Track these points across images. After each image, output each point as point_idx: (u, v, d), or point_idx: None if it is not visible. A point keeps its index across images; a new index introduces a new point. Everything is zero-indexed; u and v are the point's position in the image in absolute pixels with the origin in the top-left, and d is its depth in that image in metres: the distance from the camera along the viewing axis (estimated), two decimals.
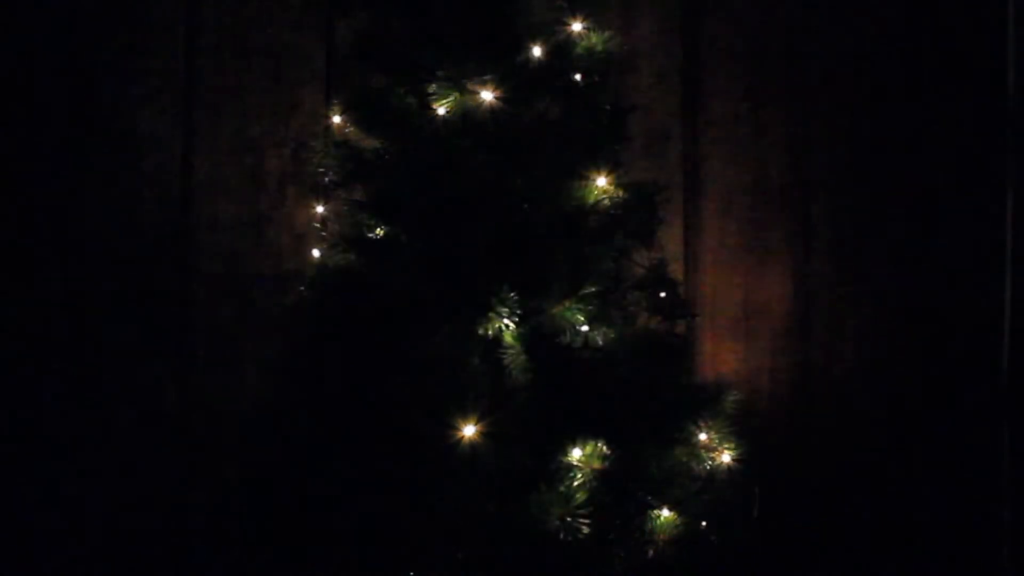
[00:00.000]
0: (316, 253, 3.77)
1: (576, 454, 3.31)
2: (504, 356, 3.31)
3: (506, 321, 3.32)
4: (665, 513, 3.37)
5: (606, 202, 3.49)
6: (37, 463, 4.43)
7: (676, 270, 4.29)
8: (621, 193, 3.53)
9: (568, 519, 3.20)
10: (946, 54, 4.44)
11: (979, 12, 4.44)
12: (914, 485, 4.40)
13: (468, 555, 3.28)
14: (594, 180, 3.48)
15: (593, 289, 3.40)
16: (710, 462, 3.53)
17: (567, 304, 3.38)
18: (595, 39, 3.56)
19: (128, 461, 4.43)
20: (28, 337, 4.46)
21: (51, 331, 4.46)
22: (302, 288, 3.77)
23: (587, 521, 3.20)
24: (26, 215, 4.49)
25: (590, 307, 3.40)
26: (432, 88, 3.39)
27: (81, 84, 4.50)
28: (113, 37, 4.51)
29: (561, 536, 3.20)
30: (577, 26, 3.56)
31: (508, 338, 3.33)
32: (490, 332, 3.33)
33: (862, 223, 4.46)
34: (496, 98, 3.39)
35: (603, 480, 3.30)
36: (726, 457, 3.56)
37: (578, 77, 3.58)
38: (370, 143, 3.57)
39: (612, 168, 3.53)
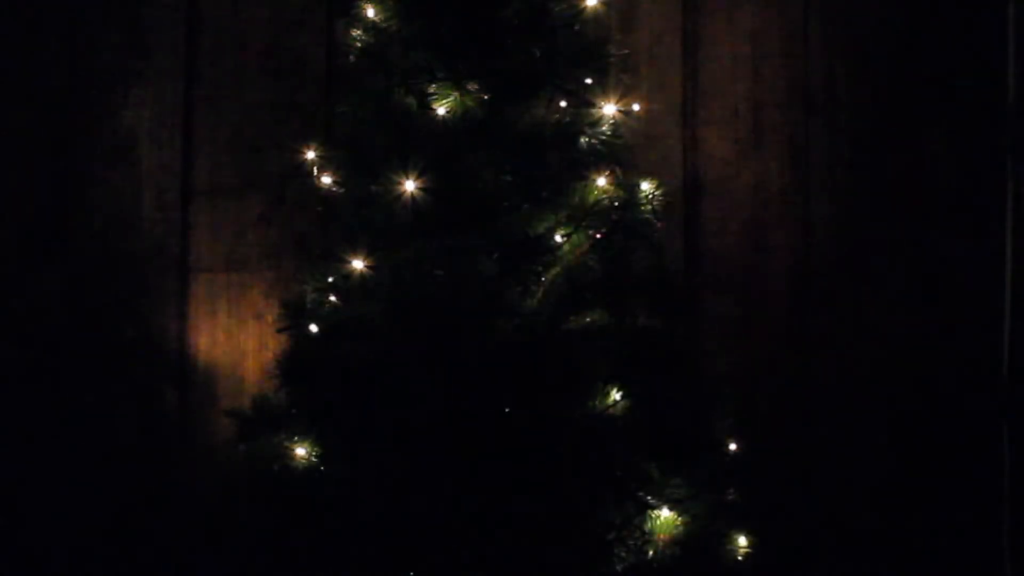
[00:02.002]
0: (315, 253, 3.77)
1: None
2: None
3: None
4: (665, 513, 3.37)
5: (606, 202, 3.48)
6: (36, 463, 4.43)
7: (676, 270, 4.29)
8: (621, 193, 3.53)
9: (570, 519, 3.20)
10: (946, 54, 4.44)
11: (979, 12, 4.43)
12: (914, 485, 4.40)
13: (469, 555, 3.28)
14: (594, 180, 3.48)
15: (592, 289, 3.41)
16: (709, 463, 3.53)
17: (566, 304, 3.38)
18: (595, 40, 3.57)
19: (127, 462, 4.42)
20: (27, 337, 4.45)
21: (50, 331, 4.46)
22: (303, 287, 3.77)
23: (588, 521, 3.21)
24: (26, 215, 4.49)
25: (589, 308, 3.41)
26: (432, 88, 3.39)
27: (81, 84, 4.50)
28: (113, 37, 4.50)
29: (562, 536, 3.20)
30: (578, 27, 3.56)
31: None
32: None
33: (863, 223, 4.45)
34: (496, 98, 3.39)
35: (604, 481, 3.30)
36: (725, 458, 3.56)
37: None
38: (370, 143, 3.57)
39: (612, 168, 3.53)
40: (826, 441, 4.43)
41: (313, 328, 3.59)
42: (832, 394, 4.44)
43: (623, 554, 3.32)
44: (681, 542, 3.34)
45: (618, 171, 3.55)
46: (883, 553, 4.39)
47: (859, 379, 4.43)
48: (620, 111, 3.60)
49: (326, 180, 3.64)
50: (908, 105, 4.45)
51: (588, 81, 3.60)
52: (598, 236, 3.52)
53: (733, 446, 3.63)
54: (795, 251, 4.46)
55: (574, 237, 3.45)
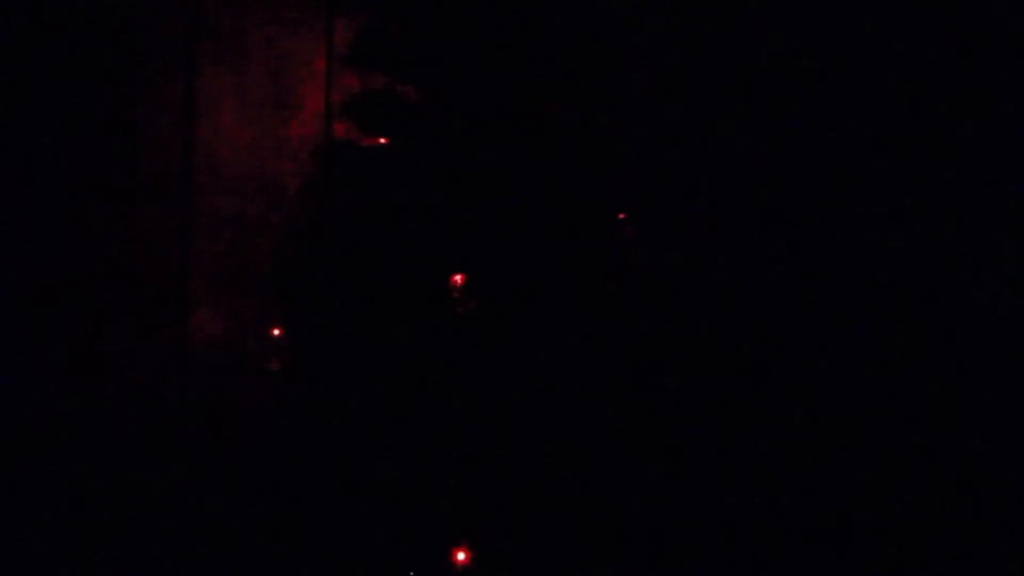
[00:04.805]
0: (316, 253, 3.77)
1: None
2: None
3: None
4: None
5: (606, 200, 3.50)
6: (36, 463, 4.43)
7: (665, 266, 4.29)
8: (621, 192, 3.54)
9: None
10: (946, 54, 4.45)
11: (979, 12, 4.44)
12: (914, 485, 4.40)
13: (469, 553, 3.29)
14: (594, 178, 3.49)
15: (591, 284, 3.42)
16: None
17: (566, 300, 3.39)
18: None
19: (127, 461, 4.43)
20: (28, 336, 4.46)
21: (51, 330, 4.46)
22: (301, 288, 3.77)
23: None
24: (27, 215, 4.49)
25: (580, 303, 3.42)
26: (432, 88, 3.40)
27: (81, 84, 4.50)
28: (113, 37, 4.51)
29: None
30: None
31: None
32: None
33: (862, 222, 4.46)
34: (502, 96, 3.40)
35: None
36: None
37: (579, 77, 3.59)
38: (370, 142, 3.58)
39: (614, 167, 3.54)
40: (825, 440, 4.43)
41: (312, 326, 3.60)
42: (832, 393, 4.44)
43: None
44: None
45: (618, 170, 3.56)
46: (883, 552, 4.39)
47: (859, 379, 4.43)
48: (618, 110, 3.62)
49: (326, 179, 3.65)
50: (909, 104, 4.46)
51: (591, 80, 3.61)
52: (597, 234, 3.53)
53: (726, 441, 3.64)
54: (795, 250, 4.46)
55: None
